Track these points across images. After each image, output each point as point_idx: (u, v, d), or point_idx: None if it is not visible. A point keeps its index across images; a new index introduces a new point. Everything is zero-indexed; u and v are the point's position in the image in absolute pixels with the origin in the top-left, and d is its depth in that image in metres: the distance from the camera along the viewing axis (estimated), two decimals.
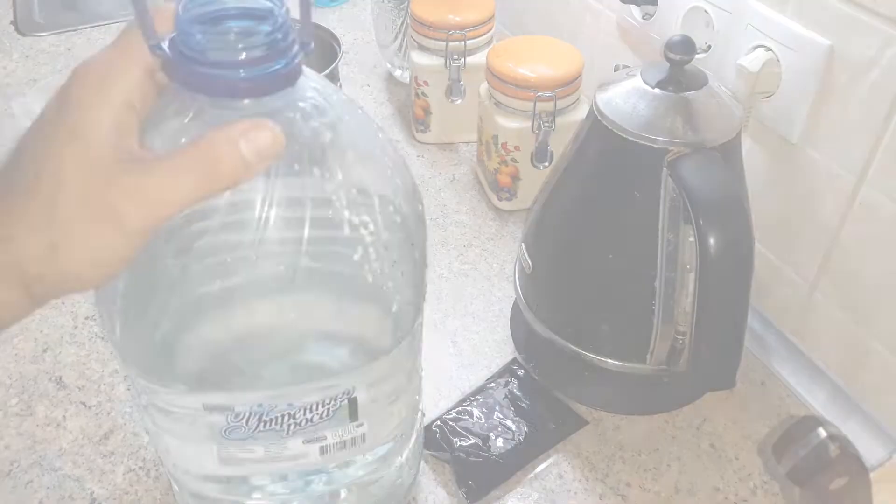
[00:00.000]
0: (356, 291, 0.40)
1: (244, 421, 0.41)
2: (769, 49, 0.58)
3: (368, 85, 1.03)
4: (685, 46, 0.52)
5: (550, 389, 0.63)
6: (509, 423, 0.60)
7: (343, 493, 0.50)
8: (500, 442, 0.58)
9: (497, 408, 0.61)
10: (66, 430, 0.60)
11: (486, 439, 0.58)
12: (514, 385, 0.63)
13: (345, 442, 0.45)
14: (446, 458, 0.57)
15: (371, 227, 0.38)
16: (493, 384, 0.63)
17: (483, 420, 0.60)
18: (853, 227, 0.57)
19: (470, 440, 0.58)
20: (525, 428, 0.60)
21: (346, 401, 0.42)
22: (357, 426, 0.44)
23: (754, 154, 0.63)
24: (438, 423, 0.60)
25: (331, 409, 0.42)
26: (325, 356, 0.43)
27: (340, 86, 0.88)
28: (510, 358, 0.66)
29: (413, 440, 0.52)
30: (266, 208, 0.36)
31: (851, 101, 0.54)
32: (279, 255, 0.37)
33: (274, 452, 0.43)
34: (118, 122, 0.32)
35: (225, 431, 0.41)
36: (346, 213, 0.38)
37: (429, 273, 0.76)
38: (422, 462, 0.58)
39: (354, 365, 0.42)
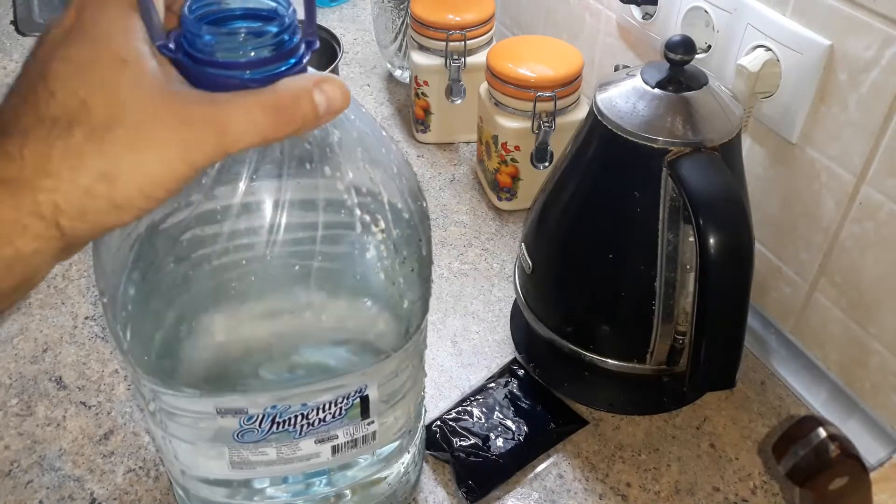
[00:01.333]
0: (368, 289, 0.40)
1: (257, 423, 0.41)
2: (769, 49, 0.58)
3: (368, 85, 1.03)
4: (685, 46, 0.52)
5: (550, 389, 0.63)
6: (509, 423, 0.60)
7: (349, 494, 0.50)
8: (500, 442, 0.58)
9: (497, 408, 0.61)
10: (66, 430, 0.60)
11: (486, 439, 0.58)
12: (514, 385, 0.63)
13: (356, 440, 0.45)
14: (446, 458, 0.57)
15: (381, 224, 0.39)
16: (493, 384, 0.63)
17: (483, 420, 0.60)
18: (853, 227, 0.57)
19: (470, 440, 0.58)
20: (525, 428, 0.59)
21: (358, 399, 0.42)
22: (368, 424, 0.44)
23: (754, 154, 0.63)
24: (438, 423, 0.60)
25: (343, 407, 0.42)
26: (338, 355, 0.43)
27: None
28: (510, 358, 0.66)
29: (418, 436, 0.52)
30: (279, 208, 0.36)
31: (851, 101, 0.54)
32: (293, 254, 0.37)
33: (286, 454, 0.43)
34: (154, 50, 0.31)
35: (237, 435, 0.41)
36: (358, 212, 0.38)
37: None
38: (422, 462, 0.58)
39: (367, 363, 0.42)
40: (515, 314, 0.69)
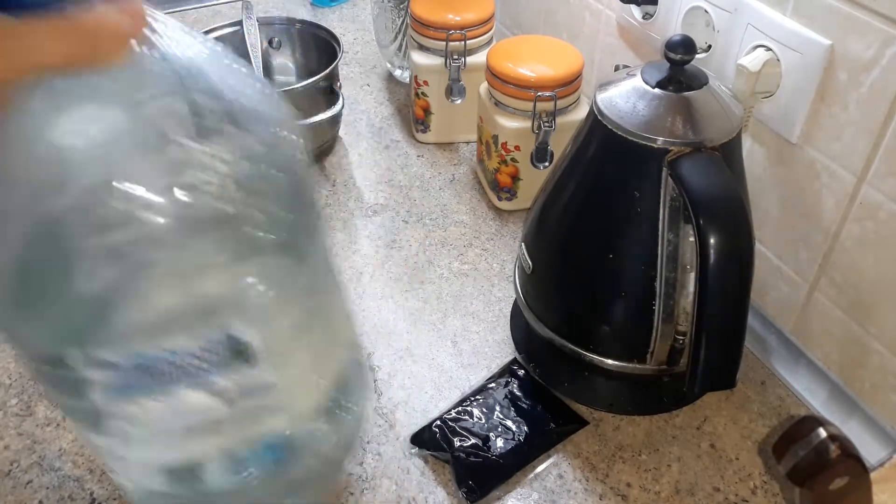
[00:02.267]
0: (213, 222, 0.38)
1: (129, 374, 0.39)
2: (769, 49, 0.58)
3: (368, 85, 1.03)
4: (685, 46, 0.52)
5: (550, 389, 0.63)
6: (509, 423, 0.60)
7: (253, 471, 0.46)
8: (500, 442, 0.58)
9: (497, 408, 0.61)
10: (65, 430, 0.60)
11: (486, 439, 0.58)
12: (514, 385, 0.63)
13: (250, 390, 0.42)
14: (446, 458, 0.57)
15: (227, 156, 0.37)
16: (493, 384, 0.63)
17: (483, 420, 0.60)
18: (853, 226, 0.57)
19: (470, 440, 0.58)
20: (525, 428, 0.59)
21: (232, 343, 0.40)
22: (259, 373, 0.42)
23: (754, 154, 0.63)
24: (438, 423, 0.60)
25: (217, 352, 0.40)
26: (191, 291, 0.40)
27: (340, 86, 0.88)
28: (510, 358, 0.66)
29: (358, 411, 0.50)
30: (115, 145, 0.34)
31: (851, 100, 0.54)
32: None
33: (174, 407, 0.41)
34: None
35: (114, 388, 0.39)
36: (196, 144, 0.36)
37: (429, 273, 0.76)
38: (422, 462, 0.58)
39: (223, 296, 0.40)
40: (515, 314, 0.69)
